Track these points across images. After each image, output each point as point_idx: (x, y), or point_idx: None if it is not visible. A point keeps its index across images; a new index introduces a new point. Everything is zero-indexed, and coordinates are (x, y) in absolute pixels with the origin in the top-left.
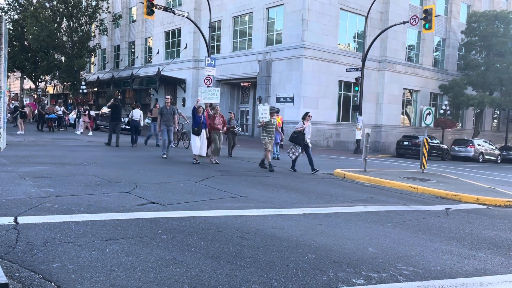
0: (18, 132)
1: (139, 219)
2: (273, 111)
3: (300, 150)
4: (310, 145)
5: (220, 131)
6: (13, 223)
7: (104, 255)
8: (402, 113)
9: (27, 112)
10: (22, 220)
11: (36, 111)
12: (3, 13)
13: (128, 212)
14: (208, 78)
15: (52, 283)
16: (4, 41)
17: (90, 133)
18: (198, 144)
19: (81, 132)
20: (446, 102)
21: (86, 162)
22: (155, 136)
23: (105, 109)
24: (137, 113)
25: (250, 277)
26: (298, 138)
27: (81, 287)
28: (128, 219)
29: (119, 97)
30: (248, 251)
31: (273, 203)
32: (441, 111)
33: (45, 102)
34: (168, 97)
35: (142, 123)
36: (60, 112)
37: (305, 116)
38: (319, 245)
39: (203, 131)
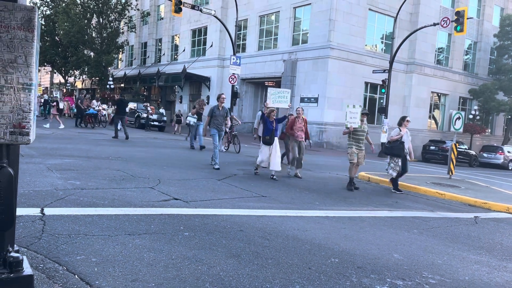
0: (44, 125)
1: (162, 215)
2: (365, 114)
3: (400, 163)
4: (409, 158)
5: (300, 140)
6: (40, 214)
7: (126, 250)
8: (429, 117)
9: (62, 107)
10: (48, 211)
11: (74, 106)
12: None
13: (151, 207)
14: (233, 77)
15: (76, 276)
16: (37, 34)
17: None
18: (267, 155)
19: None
20: (475, 107)
21: (112, 156)
22: (198, 137)
23: (94, 103)
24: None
25: (271, 278)
26: (394, 148)
27: (104, 281)
28: (151, 214)
29: (145, 93)
30: (270, 252)
31: (295, 204)
32: (470, 116)
33: (84, 95)
34: (223, 95)
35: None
36: (96, 107)
37: (402, 122)
38: (343, 249)
39: (276, 140)
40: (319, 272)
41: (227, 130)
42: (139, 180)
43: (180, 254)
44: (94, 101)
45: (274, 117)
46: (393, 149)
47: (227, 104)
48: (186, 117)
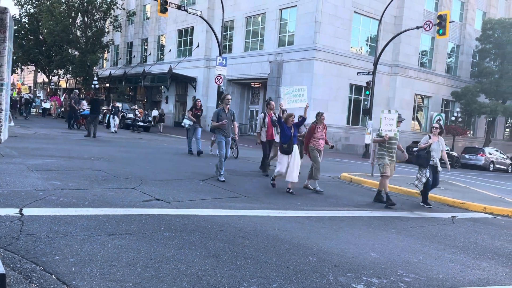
0: (10, 124)
1: (142, 215)
2: (401, 121)
3: (427, 174)
4: (440, 168)
5: (321, 149)
6: (18, 214)
7: (105, 250)
8: (413, 119)
9: (49, 106)
10: (27, 212)
11: (61, 106)
12: (19, 7)
13: (132, 208)
14: (219, 78)
15: (53, 276)
16: (8, 34)
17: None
18: (286, 165)
19: (115, 131)
20: (458, 109)
21: (94, 156)
22: (195, 141)
23: (84, 103)
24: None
25: (249, 277)
26: (420, 157)
27: (81, 281)
28: (132, 215)
29: (130, 93)
30: (249, 252)
31: (277, 204)
32: (453, 118)
33: (77, 95)
34: (228, 96)
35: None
36: (86, 108)
37: (432, 129)
38: (321, 249)
39: (296, 148)
40: (296, 271)
41: (237, 138)
42: (121, 180)
43: (159, 254)
44: (84, 101)
45: (293, 122)
46: (419, 158)
47: (211, 103)
48: (183, 120)
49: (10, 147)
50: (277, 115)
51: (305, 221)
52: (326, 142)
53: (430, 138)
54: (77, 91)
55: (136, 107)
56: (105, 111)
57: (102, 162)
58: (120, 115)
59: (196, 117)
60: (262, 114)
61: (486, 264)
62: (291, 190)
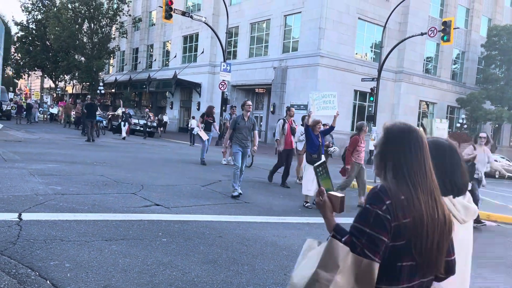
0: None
1: (141, 220)
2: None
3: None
4: (484, 182)
5: (362, 163)
6: (17, 219)
7: (102, 255)
8: (418, 125)
9: (57, 112)
10: (26, 216)
11: (73, 113)
12: (27, 13)
13: (131, 213)
14: (223, 83)
15: (48, 281)
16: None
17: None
18: (312, 179)
19: (124, 138)
20: (463, 116)
21: (97, 161)
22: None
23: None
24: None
25: (246, 284)
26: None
27: (75, 286)
28: (131, 220)
29: (136, 98)
30: (247, 258)
31: (277, 210)
32: (458, 125)
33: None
34: (249, 102)
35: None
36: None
37: (477, 138)
38: None
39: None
40: None
41: (255, 150)
42: (122, 185)
43: (155, 260)
44: None
45: (320, 130)
46: None
47: (216, 110)
48: (193, 127)
49: (14, 151)
50: (304, 122)
51: (305, 228)
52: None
53: (475, 149)
54: (89, 96)
55: (148, 111)
56: (110, 116)
57: (104, 167)
58: (132, 121)
59: (207, 125)
60: (282, 120)
61: (487, 273)
62: (308, 205)
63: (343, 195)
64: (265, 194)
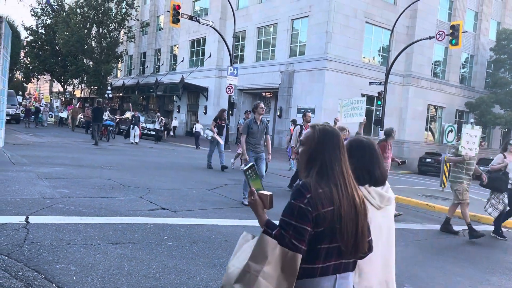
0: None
1: (147, 224)
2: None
3: (506, 200)
4: None
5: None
6: (24, 222)
7: (108, 259)
8: (426, 129)
9: (66, 116)
10: (33, 219)
11: (82, 116)
12: (36, 18)
13: (138, 216)
14: (230, 87)
15: (53, 284)
16: (4, 42)
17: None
18: None
19: (137, 142)
20: (472, 120)
21: (104, 165)
22: (220, 154)
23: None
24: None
25: None
26: (496, 180)
27: None
28: (137, 223)
29: (143, 103)
30: None
31: None
32: None
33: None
34: (261, 104)
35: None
36: (105, 117)
37: (507, 145)
38: None
39: None
40: None
41: (269, 158)
42: (129, 189)
43: (161, 264)
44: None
45: (345, 137)
46: (494, 181)
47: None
48: (204, 131)
49: (22, 155)
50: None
51: None
52: (392, 159)
53: (505, 157)
54: (100, 100)
55: (160, 114)
56: (117, 119)
57: (111, 170)
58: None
59: (219, 129)
60: (298, 127)
61: (496, 279)
62: None
63: (271, 193)
64: (276, 200)
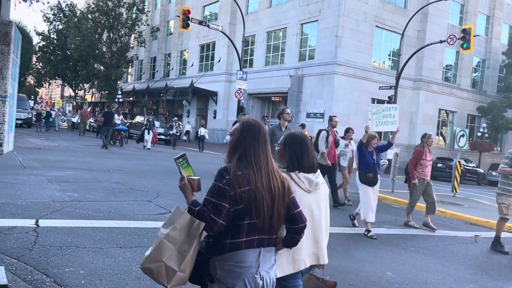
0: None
1: (156, 228)
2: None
3: None
4: None
5: (427, 178)
6: (34, 225)
7: (116, 263)
8: (437, 134)
9: (77, 121)
10: (42, 223)
11: (93, 120)
12: (48, 23)
13: (146, 220)
14: (239, 92)
15: (62, 287)
16: (13, 47)
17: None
18: (370, 202)
19: (148, 148)
20: (484, 125)
21: (113, 169)
22: None
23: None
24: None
25: None
26: None
27: None
28: (145, 227)
29: (153, 107)
30: None
31: None
32: (479, 134)
33: (115, 109)
34: (287, 109)
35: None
36: (118, 122)
37: None
38: (336, 266)
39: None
40: None
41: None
42: (138, 193)
43: None
44: (116, 115)
45: (375, 146)
46: None
47: (232, 117)
48: (203, 135)
49: (33, 158)
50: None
51: None
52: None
53: None
54: (115, 104)
55: (177, 119)
56: (127, 124)
57: (121, 174)
58: (156, 130)
59: None
60: (325, 132)
61: (509, 286)
62: (371, 234)
63: (199, 178)
64: None
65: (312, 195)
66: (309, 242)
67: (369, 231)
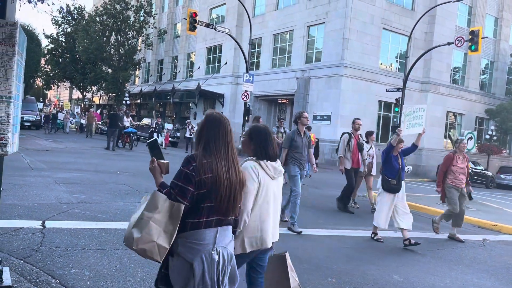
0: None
1: None
2: None
3: None
4: None
5: (462, 186)
6: (40, 226)
7: (121, 264)
8: (445, 137)
9: (86, 123)
10: (49, 224)
11: (100, 122)
12: (57, 26)
13: None
14: (246, 94)
15: None
16: (18, 48)
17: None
18: (389, 208)
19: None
20: (492, 127)
21: (120, 170)
22: None
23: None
24: None
25: None
26: None
27: None
28: None
29: (160, 109)
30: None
31: (298, 221)
32: (487, 136)
33: (123, 112)
34: (305, 113)
35: None
36: (127, 124)
37: None
38: (342, 269)
39: (404, 185)
40: None
41: (315, 169)
42: (144, 194)
43: None
44: (124, 117)
45: (402, 147)
46: None
47: (238, 119)
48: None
49: (41, 160)
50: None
51: (326, 240)
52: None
53: None
54: (124, 107)
55: (190, 121)
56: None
57: (127, 176)
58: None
59: None
60: (347, 135)
61: None
62: (378, 237)
63: (168, 162)
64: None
65: (275, 181)
66: (270, 222)
67: (375, 234)
